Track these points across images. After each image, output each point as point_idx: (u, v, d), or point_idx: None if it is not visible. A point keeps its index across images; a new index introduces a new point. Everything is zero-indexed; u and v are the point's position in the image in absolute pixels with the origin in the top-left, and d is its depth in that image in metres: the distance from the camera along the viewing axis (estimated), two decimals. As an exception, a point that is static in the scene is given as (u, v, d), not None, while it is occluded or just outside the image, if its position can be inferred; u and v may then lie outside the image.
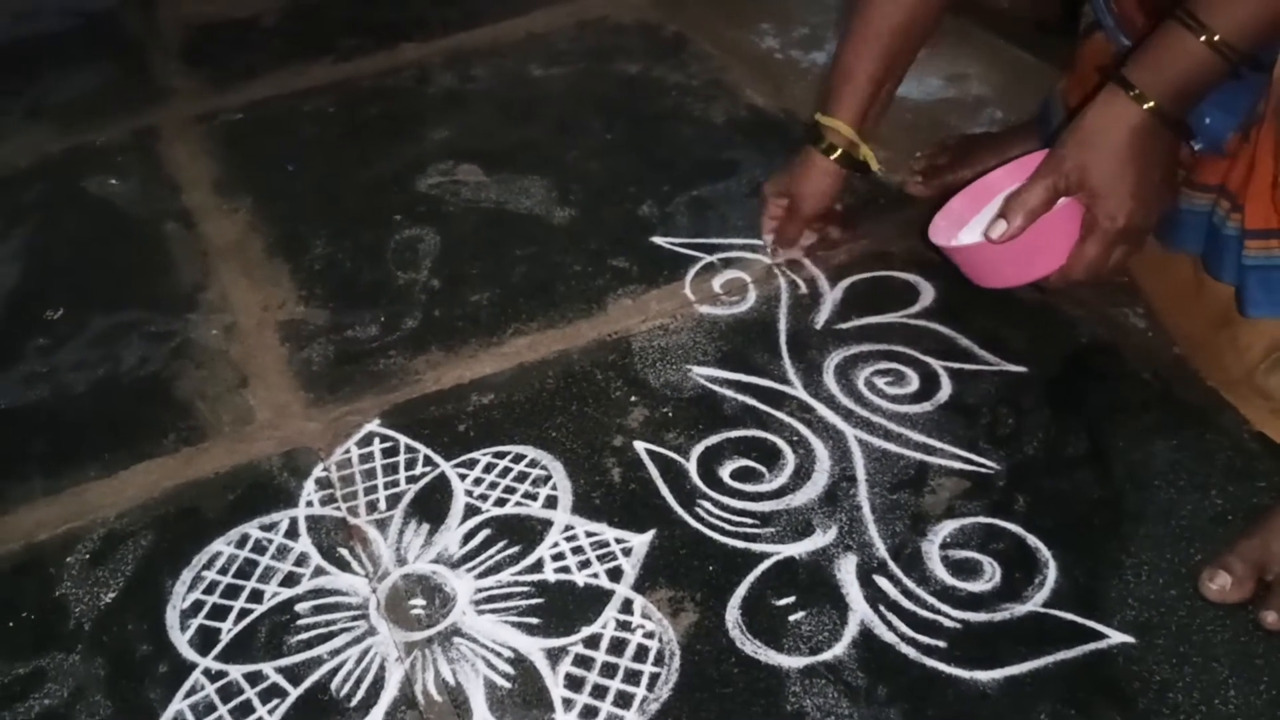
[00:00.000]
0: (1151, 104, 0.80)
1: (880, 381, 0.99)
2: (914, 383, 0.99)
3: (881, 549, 0.85)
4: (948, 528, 0.86)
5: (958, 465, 0.91)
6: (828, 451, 0.93)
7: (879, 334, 1.05)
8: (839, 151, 1.06)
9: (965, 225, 0.99)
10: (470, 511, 0.90)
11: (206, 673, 0.78)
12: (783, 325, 1.06)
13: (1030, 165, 0.89)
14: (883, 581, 0.82)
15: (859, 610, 0.80)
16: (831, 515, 0.87)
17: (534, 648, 0.79)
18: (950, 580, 0.82)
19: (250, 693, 0.77)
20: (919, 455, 0.92)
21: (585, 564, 0.85)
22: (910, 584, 0.82)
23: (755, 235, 1.17)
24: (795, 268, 1.13)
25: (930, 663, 0.76)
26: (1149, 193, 0.84)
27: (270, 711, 0.76)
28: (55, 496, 0.93)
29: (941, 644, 0.77)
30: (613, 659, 0.78)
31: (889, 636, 0.78)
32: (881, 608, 0.80)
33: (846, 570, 0.83)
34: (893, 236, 1.17)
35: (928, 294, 1.09)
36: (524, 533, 0.88)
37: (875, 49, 1.04)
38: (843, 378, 1.00)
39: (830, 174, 1.07)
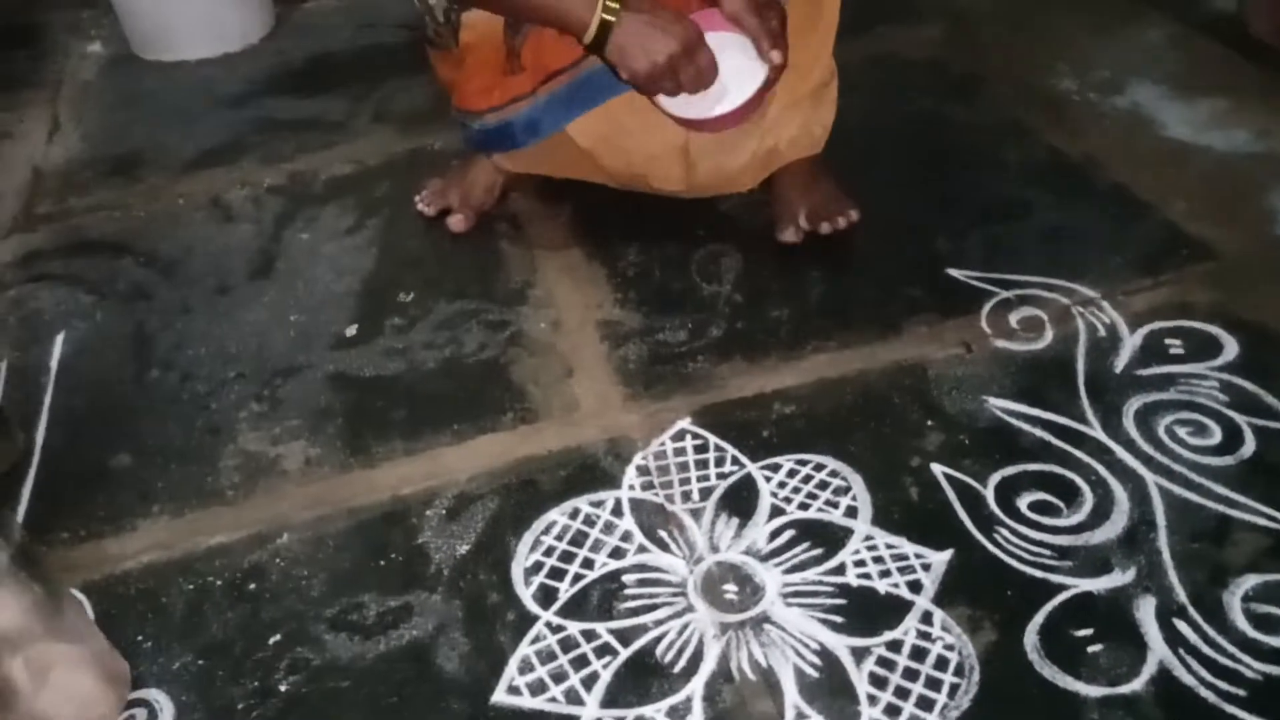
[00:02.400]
0: None
1: (1181, 431, 1.01)
2: (1216, 435, 1.00)
3: (1181, 594, 0.87)
4: (1250, 581, 0.87)
5: (1262, 522, 0.92)
6: (1127, 494, 0.96)
7: (1181, 383, 1.06)
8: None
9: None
10: (775, 511, 0.98)
11: (548, 625, 0.90)
12: (1081, 366, 1.09)
13: (705, 19, 1.04)
14: (1182, 626, 0.85)
15: (1158, 650, 0.83)
16: (1130, 556, 0.90)
17: (839, 644, 0.86)
18: (1253, 633, 0.84)
19: (586, 647, 0.88)
20: (1221, 508, 0.94)
21: (886, 573, 0.91)
22: (1211, 631, 0.84)
23: (1052, 275, 1.20)
24: (1094, 311, 1.15)
25: (1230, 709, 0.79)
26: None
27: (604, 667, 0.86)
28: (414, 457, 1.07)
29: (1243, 693, 0.80)
30: (914, 664, 0.84)
31: (1188, 679, 0.81)
32: (1181, 651, 0.83)
33: (1145, 611, 0.86)
34: (1193, 287, 1.18)
35: (1231, 348, 1.10)
36: (826, 537, 0.95)
37: None
38: (1143, 423, 1.02)
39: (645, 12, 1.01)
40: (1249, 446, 0.99)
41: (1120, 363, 1.09)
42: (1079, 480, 0.97)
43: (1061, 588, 0.88)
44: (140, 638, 0.92)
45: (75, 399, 1.18)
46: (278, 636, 0.91)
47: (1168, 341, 1.11)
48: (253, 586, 0.96)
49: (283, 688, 0.87)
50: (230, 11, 1.90)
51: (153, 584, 0.97)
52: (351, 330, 1.24)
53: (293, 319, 1.26)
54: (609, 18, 1.00)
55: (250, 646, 0.91)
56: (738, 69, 1.05)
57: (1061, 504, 0.95)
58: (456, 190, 1.39)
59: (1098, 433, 1.02)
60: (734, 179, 1.30)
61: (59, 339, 1.26)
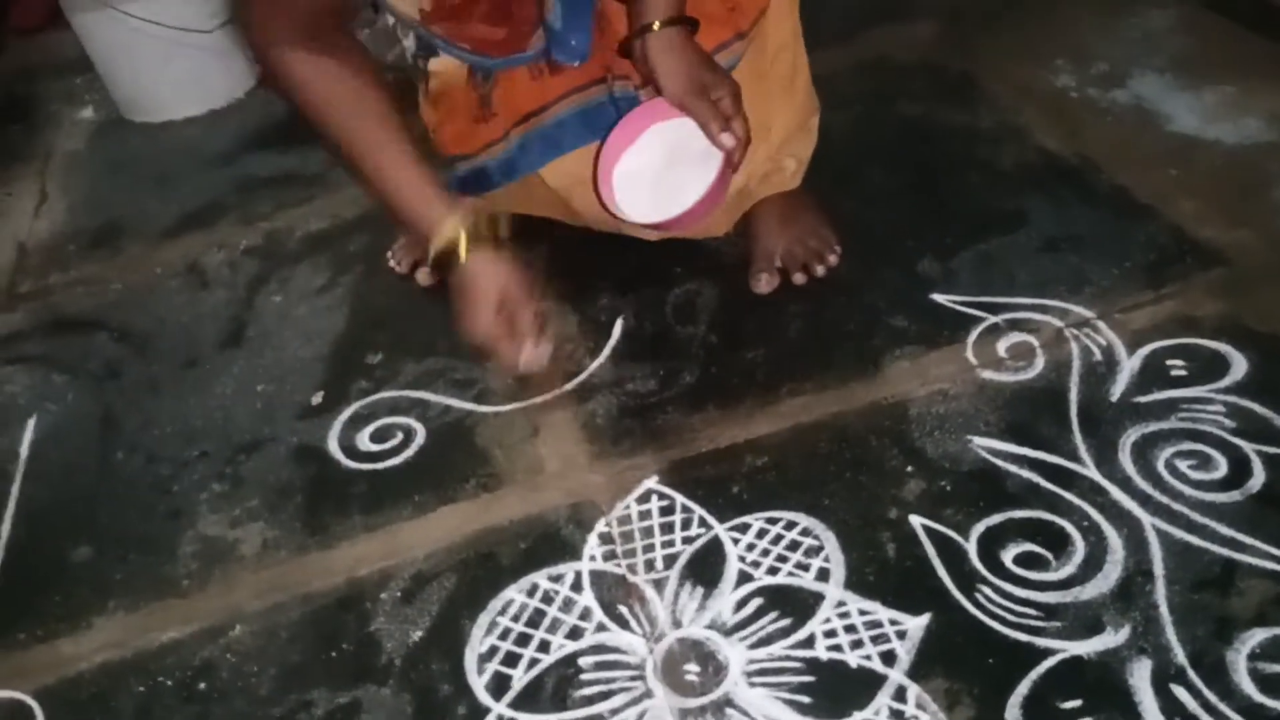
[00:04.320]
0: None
1: (1183, 464, 0.93)
2: (1222, 467, 0.92)
3: (1180, 655, 0.79)
4: (1257, 636, 0.79)
5: (1271, 566, 0.84)
6: (1121, 541, 0.88)
7: (1183, 410, 0.98)
8: (473, 240, 0.95)
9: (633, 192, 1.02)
10: (743, 578, 0.92)
11: (499, 718, 0.85)
12: (1074, 396, 1.02)
13: (658, 109, 1.01)
14: (1180, 692, 0.77)
15: (1153, 721, 0.76)
16: (1124, 613, 0.83)
17: (805, 727, 0.80)
18: (1259, 697, 0.76)
19: (536, 743, 0.83)
20: (1226, 551, 0.86)
21: (858, 644, 0.85)
22: (1212, 697, 0.76)
23: (1045, 294, 1.13)
24: (1089, 333, 1.07)
25: (1233, 789, 0.71)
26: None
27: (554, 763, 0.81)
28: (372, 534, 1.03)
29: (1246, 770, 0.72)
30: (884, 748, 0.77)
31: (1185, 755, 0.74)
32: (1178, 721, 0.75)
33: (1140, 676, 0.79)
34: (1200, 299, 1.09)
35: (1239, 366, 1.01)
36: (796, 604, 0.89)
37: (388, 135, 0.96)
38: (1140, 458, 0.94)
39: (497, 260, 0.97)
40: (1258, 479, 0.91)
41: (1117, 390, 1.01)
42: (1069, 527, 0.90)
43: (1048, 652, 0.81)
44: (90, 746, 0.90)
45: (41, 488, 1.17)
46: (224, 741, 0.88)
47: (1169, 362, 1.03)
48: (203, 686, 0.92)
49: (227, 797, 0.84)
50: (215, 68, 1.89)
51: (105, 686, 0.95)
52: (317, 398, 1.20)
53: (260, 389, 1.23)
54: (460, 250, 0.94)
55: (196, 752, 0.88)
56: (694, 157, 0.99)
57: (1050, 555, 0.88)
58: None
59: (1091, 471, 0.94)
60: (708, 226, 1.25)
61: (30, 424, 1.25)
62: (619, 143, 1.03)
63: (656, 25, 0.97)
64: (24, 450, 1.22)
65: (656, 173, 1.02)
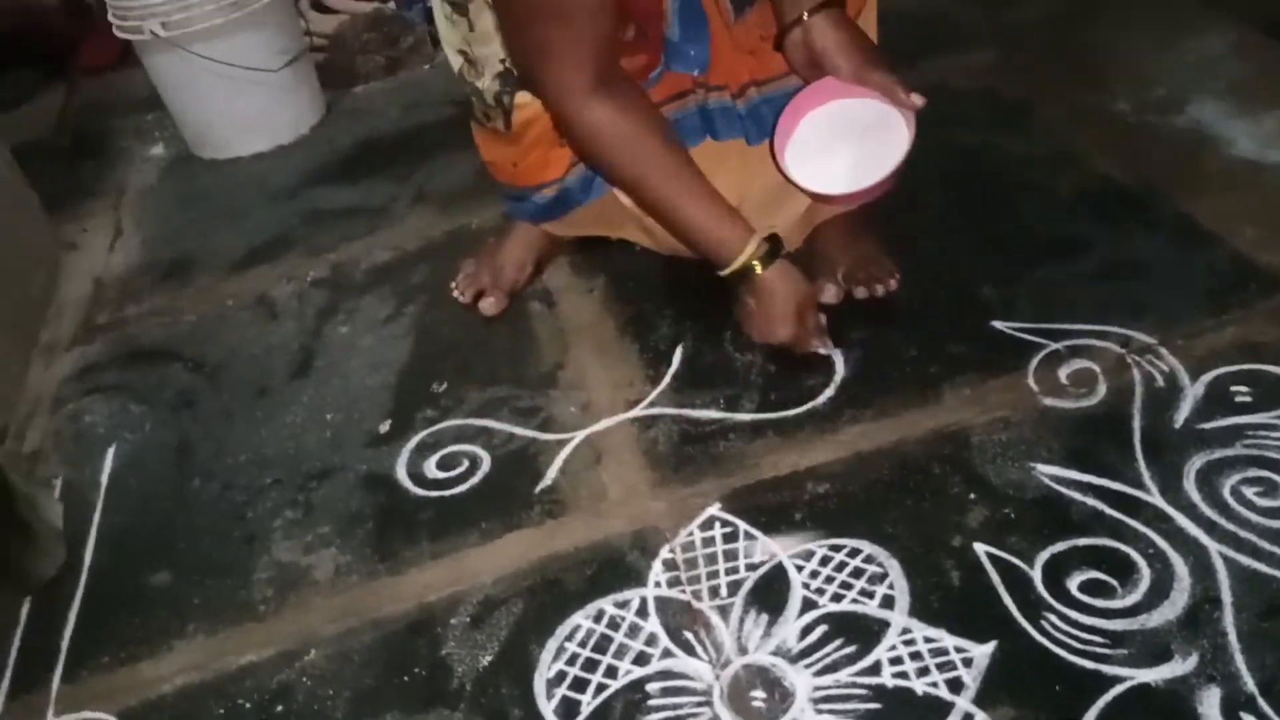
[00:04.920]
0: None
1: (1249, 491, 0.93)
2: (1289, 494, 0.92)
3: (1250, 683, 0.79)
4: (1331, 666, 0.79)
5: (1343, 594, 0.83)
6: (1188, 568, 0.88)
7: (1248, 436, 0.97)
8: (769, 257, 1.10)
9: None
10: (807, 605, 0.93)
11: (566, 743, 0.86)
12: (1137, 423, 1.01)
13: (824, 90, 1.05)
14: (1251, 720, 0.77)
15: (1223, 751, 0.76)
16: (1192, 640, 0.83)
17: (872, 754, 0.81)
18: (1333, 727, 0.75)
19: (607, 767, 0.84)
20: (1295, 579, 0.85)
21: (924, 671, 0.85)
22: (1284, 727, 0.76)
23: (1106, 321, 1.13)
24: (1151, 359, 1.07)
25: (1309, 820, 0.71)
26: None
27: (624, 788, 0.82)
28: (440, 560, 1.06)
29: (1322, 801, 0.71)
30: (952, 775, 0.78)
31: (1259, 785, 0.73)
32: (1250, 751, 0.75)
33: (1209, 704, 0.78)
34: (1263, 325, 1.09)
35: (1307, 391, 1.01)
36: (860, 632, 0.89)
37: (689, 175, 1.08)
38: (1205, 485, 0.94)
39: (790, 270, 1.13)
40: (1327, 506, 0.90)
41: (1180, 416, 1.01)
42: (1134, 554, 0.90)
43: (1115, 680, 0.81)
44: (172, 766, 0.93)
45: (122, 515, 1.20)
46: (302, 762, 0.90)
47: (1234, 389, 1.02)
48: (280, 708, 0.95)
49: (305, 818, 0.86)
50: (281, 105, 1.95)
51: (186, 708, 0.97)
52: (384, 426, 1.23)
53: (329, 418, 1.27)
54: (757, 267, 1.09)
55: (275, 773, 0.90)
56: (868, 131, 1.03)
57: (1115, 583, 0.88)
58: (487, 272, 1.38)
59: (1155, 498, 0.94)
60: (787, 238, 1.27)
61: (110, 453, 1.29)
62: (790, 123, 1.07)
63: (806, 14, 1.02)
64: (104, 479, 1.26)
65: (840, 146, 1.06)
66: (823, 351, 1.16)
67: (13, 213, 1.61)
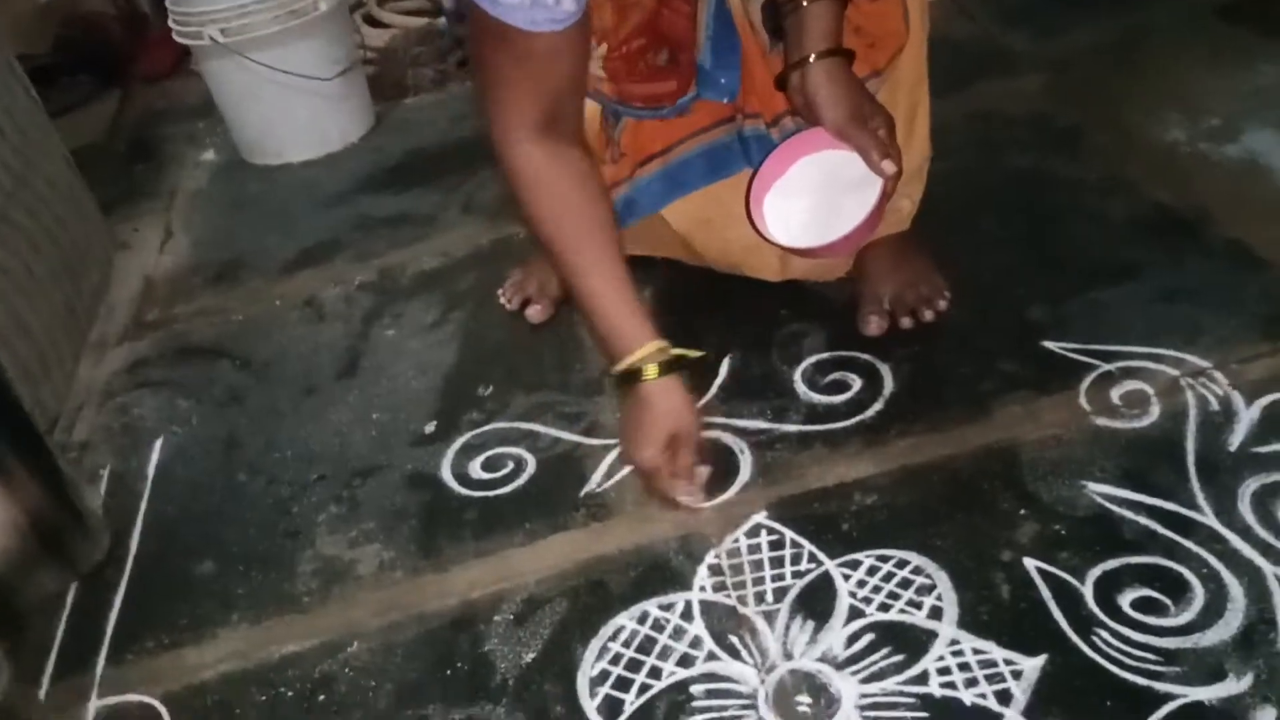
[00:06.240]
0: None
1: (1307, 516, 0.92)
2: (1348, 520, 0.90)
3: (1309, 706, 0.78)
4: (1391, 691, 0.77)
5: (1404, 620, 0.82)
6: (1243, 589, 0.87)
7: (1305, 461, 0.96)
8: (664, 367, 0.99)
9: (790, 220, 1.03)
10: (854, 614, 0.92)
11: (610, 741, 0.86)
12: (1190, 444, 1.01)
13: (811, 139, 1.02)
14: (1310, 743, 0.75)
15: (1281, 772, 0.74)
16: (1247, 660, 0.81)
17: (920, 762, 0.80)
18: (1394, 752, 0.74)
19: (650, 767, 0.84)
20: (1354, 604, 0.84)
21: (972, 682, 0.84)
22: (1344, 750, 0.74)
23: (1159, 344, 1.12)
24: (1205, 382, 1.06)
25: (1370, 845, 0.69)
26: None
27: (668, 788, 0.82)
28: (484, 559, 1.06)
29: (1384, 825, 0.70)
30: (1002, 786, 0.77)
31: (1318, 806, 0.72)
32: (1309, 772, 0.74)
33: (1266, 724, 0.77)
34: (1320, 350, 1.08)
35: (1364, 418, 0.99)
36: (908, 642, 0.89)
37: (605, 252, 0.99)
38: (1260, 508, 0.93)
39: (679, 392, 1.00)
40: (1385, 531, 0.89)
41: (1235, 440, 1.00)
42: (1188, 574, 0.89)
43: (1168, 697, 0.80)
44: (214, 752, 0.93)
45: (168, 505, 1.22)
46: (343, 752, 0.90)
47: (1290, 413, 1.02)
48: (322, 698, 0.95)
49: (345, 806, 0.86)
50: (332, 114, 1.98)
51: (228, 694, 0.98)
52: (430, 427, 1.24)
53: (375, 417, 1.28)
54: (645, 371, 0.98)
55: (316, 762, 0.90)
56: (849, 186, 1.00)
57: (1169, 601, 0.87)
58: (535, 280, 1.39)
59: (1210, 519, 0.93)
60: (830, 267, 1.28)
61: (157, 445, 1.31)
62: (773, 169, 1.04)
63: (813, 57, 0.99)
64: (151, 470, 1.27)
65: (810, 199, 1.03)
66: (685, 500, 1.03)
67: (69, 212, 1.64)
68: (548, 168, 0.98)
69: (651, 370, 0.98)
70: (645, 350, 0.98)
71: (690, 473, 1.03)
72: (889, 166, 0.97)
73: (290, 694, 0.96)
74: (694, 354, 1.03)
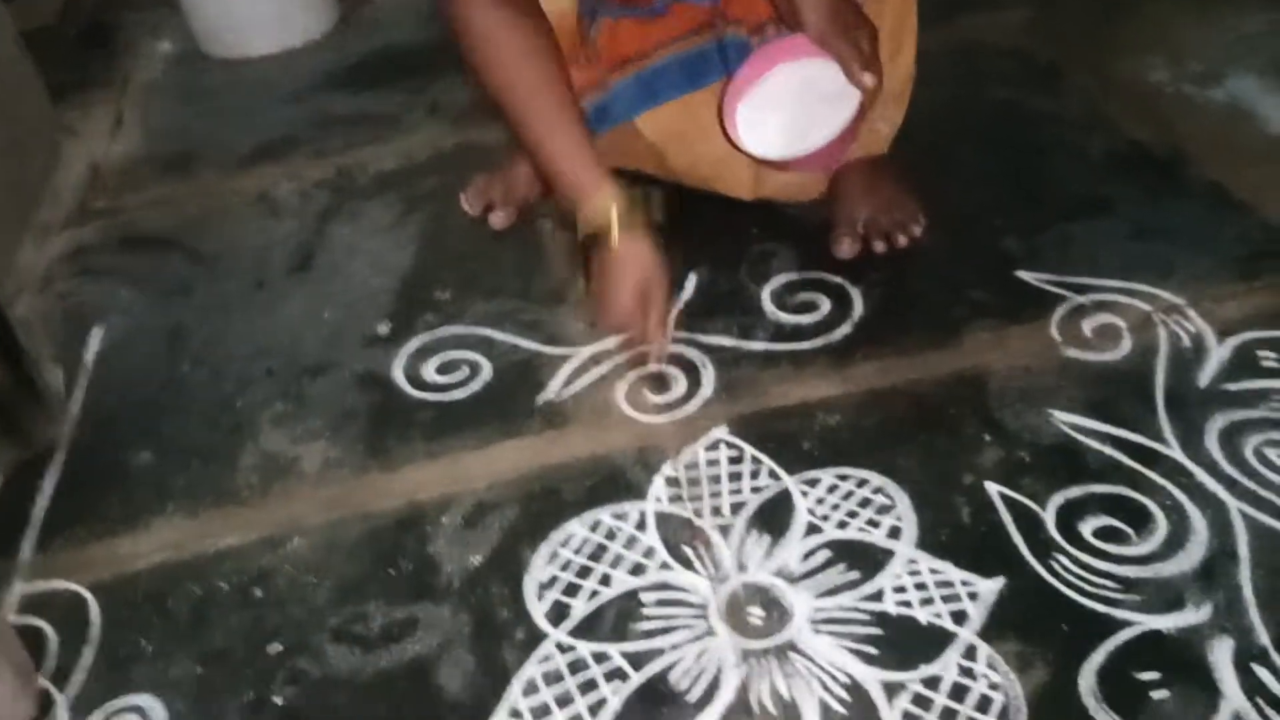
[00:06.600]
0: None
1: (1272, 453, 0.91)
2: (1313, 458, 0.90)
3: (1264, 636, 0.77)
4: (1347, 625, 0.77)
5: (1363, 557, 0.81)
6: (1205, 522, 0.86)
7: (1274, 400, 0.95)
8: (624, 219, 0.96)
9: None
10: (811, 530, 0.90)
11: (558, 645, 0.84)
12: (1160, 379, 0.99)
13: (791, 46, 0.97)
14: (1263, 672, 0.75)
15: (1233, 699, 0.74)
16: (1206, 591, 0.81)
17: (871, 678, 0.78)
18: (1347, 684, 0.73)
19: (595, 670, 0.81)
20: (1315, 540, 0.83)
21: (928, 601, 0.83)
22: (1297, 681, 0.74)
23: (1133, 279, 1.10)
24: (1178, 319, 1.05)
25: (1317, 772, 0.69)
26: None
27: (613, 693, 0.80)
28: (434, 461, 1.02)
29: (1332, 754, 0.70)
30: (953, 704, 0.76)
31: (1268, 735, 0.71)
32: (1260, 700, 0.73)
33: (1221, 653, 0.76)
34: (1294, 292, 1.07)
35: (1334, 360, 0.98)
36: (865, 559, 0.87)
37: (560, 101, 0.96)
38: (1228, 443, 0.92)
39: (642, 241, 0.98)
40: (1350, 471, 0.88)
41: (1205, 376, 0.99)
42: (1151, 505, 0.88)
43: (1126, 624, 0.79)
44: (144, 642, 0.89)
45: (106, 394, 1.17)
46: (279, 646, 0.87)
47: (1260, 353, 1.00)
48: (259, 593, 0.92)
49: (278, 700, 0.83)
50: (294, 8, 1.90)
51: (161, 585, 0.94)
52: (384, 328, 1.20)
53: (326, 316, 1.23)
54: (612, 222, 0.95)
55: (250, 655, 0.87)
56: (826, 98, 0.97)
57: (1130, 531, 0.86)
58: (499, 186, 1.35)
59: (1175, 453, 0.92)
60: (803, 187, 1.24)
61: (98, 333, 1.25)
62: (750, 75, 1.00)
63: None
64: (90, 357, 1.22)
65: (785, 110, 0.99)
66: (654, 362, 1.03)
67: (14, 93, 1.56)
68: (500, 26, 0.95)
69: (615, 225, 0.96)
70: (605, 205, 0.96)
71: (663, 323, 1.01)
72: (868, 79, 0.94)
73: (226, 587, 0.93)
74: (651, 203, 1.02)
